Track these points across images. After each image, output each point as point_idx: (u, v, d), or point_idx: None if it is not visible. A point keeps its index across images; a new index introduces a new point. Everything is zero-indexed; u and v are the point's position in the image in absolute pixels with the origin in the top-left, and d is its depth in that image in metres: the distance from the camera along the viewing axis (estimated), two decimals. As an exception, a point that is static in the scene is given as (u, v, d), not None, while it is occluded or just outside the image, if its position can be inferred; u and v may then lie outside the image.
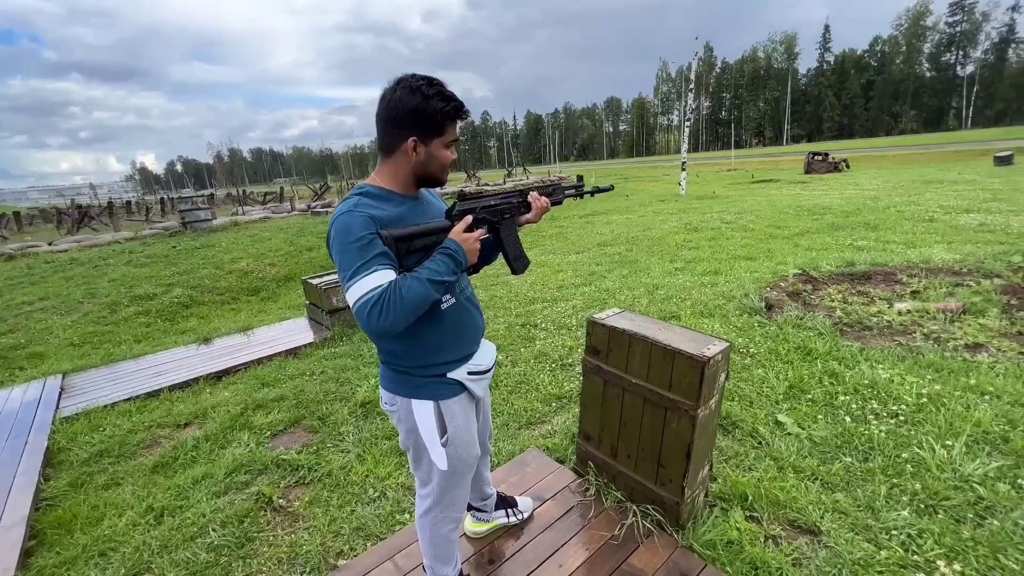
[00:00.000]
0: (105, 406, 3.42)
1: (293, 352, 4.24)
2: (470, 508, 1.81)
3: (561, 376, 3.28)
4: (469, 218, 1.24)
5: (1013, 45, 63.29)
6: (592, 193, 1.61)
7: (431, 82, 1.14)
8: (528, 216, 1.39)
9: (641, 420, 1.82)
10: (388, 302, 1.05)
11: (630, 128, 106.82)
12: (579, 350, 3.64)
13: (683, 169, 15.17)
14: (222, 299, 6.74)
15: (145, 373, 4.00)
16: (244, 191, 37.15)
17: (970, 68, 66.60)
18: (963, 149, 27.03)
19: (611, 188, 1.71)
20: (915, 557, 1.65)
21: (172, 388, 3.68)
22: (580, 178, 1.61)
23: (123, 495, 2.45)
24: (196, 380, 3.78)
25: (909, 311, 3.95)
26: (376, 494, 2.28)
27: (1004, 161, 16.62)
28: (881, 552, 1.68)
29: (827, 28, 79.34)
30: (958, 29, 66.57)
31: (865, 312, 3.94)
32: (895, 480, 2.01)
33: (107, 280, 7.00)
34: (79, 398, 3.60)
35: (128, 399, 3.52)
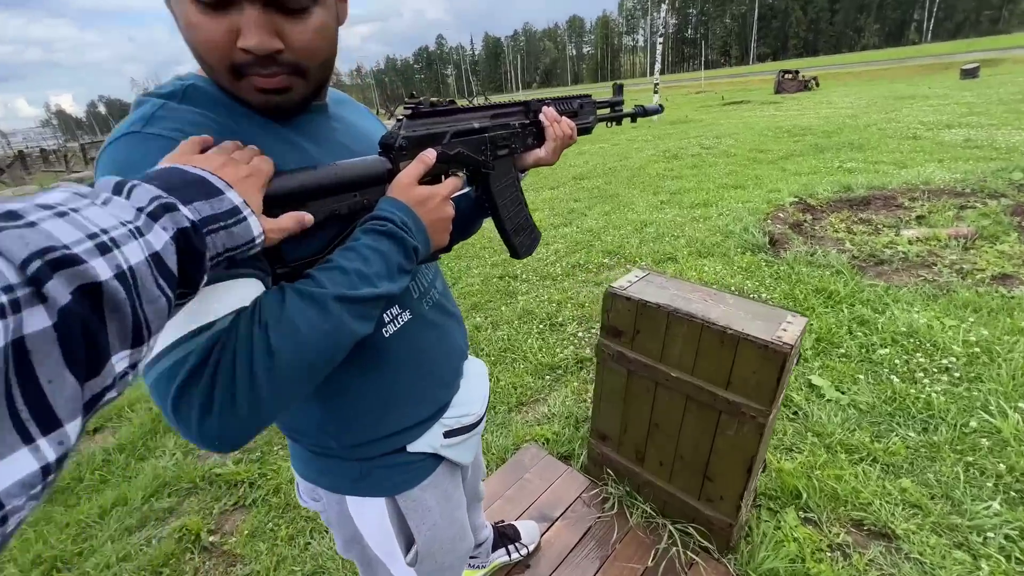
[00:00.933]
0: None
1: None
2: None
3: (552, 339, 2.81)
4: (431, 153, 0.62)
5: (978, -50, 61.86)
6: (634, 116, 1.01)
7: None
8: (540, 152, 0.80)
9: (681, 422, 1.36)
10: (234, 367, 0.44)
11: (594, 50, 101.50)
12: (568, 305, 3.16)
13: (655, 92, 14.24)
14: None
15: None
16: (177, 133, 33.44)
17: (934, -24, 65.18)
18: (927, 63, 26.80)
19: (661, 109, 1.11)
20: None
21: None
22: (619, 89, 1.00)
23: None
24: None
25: (919, 239, 3.62)
26: (336, 517, 1.80)
27: (970, 74, 16.45)
28: (982, 564, 1.34)
29: (796, -67, 75.06)
30: (926, -68, 64.24)
31: (875, 243, 3.58)
32: (969, 459, 1.68)
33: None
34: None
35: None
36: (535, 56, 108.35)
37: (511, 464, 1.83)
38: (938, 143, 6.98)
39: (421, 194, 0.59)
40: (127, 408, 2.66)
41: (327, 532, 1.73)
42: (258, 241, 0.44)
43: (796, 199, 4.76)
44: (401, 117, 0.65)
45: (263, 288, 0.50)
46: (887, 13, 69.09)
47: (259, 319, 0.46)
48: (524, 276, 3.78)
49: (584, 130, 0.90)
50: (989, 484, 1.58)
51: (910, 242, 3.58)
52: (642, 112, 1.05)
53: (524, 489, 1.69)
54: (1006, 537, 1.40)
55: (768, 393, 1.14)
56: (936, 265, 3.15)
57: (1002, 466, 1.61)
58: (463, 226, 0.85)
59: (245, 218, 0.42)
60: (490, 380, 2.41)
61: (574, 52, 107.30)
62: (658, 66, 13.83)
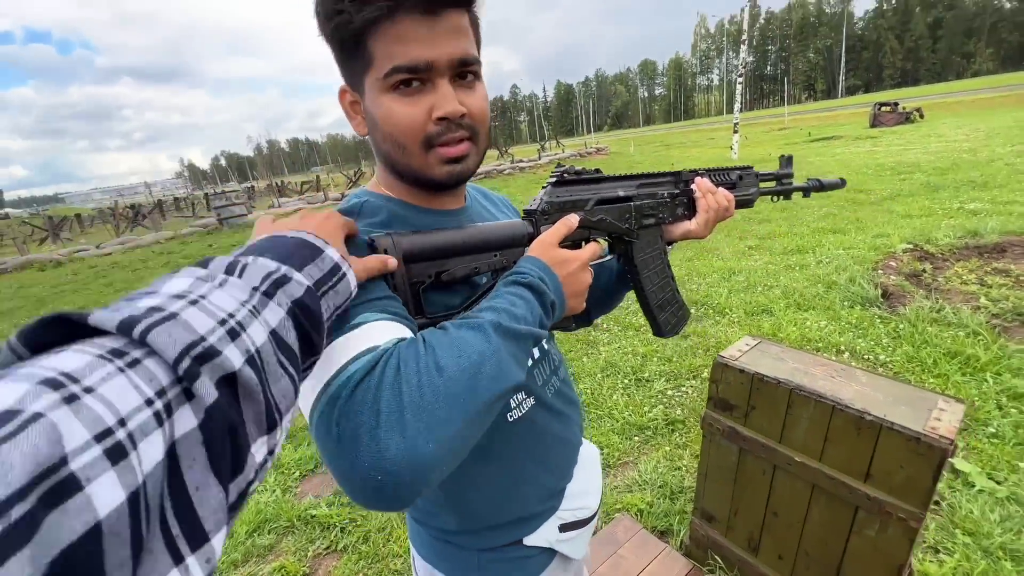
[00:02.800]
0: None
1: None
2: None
3: (638, 396, 2.69)
4: (573, 219, 0.63)
5: (1116, -38, 55.07)
6: (807, 191, 0.97)
7: None
8: (690, 225, 0.80)
9: (807, 514, 1.21)
10: (395, 382, 0.42)
11: (667, 91, 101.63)
12: (654, 359, 3.03)
13: (735, 131, 13.86)
14: (257, 300, 6.50)
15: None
16: (282, 182, 37.79)
17: (1061, -7, 58.61)
18: (1059, 87, 23.74)
19: (843, 183, 1.04)
20: None
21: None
22: (788, 161, 0.97)
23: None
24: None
25: (1078, 294, 3.09)
26: (423, 574, 1.79)
27: (1121, 97, 14.27)
28: None
29: (887, -38, 71.63)
30: (1046, -51, 58.45)
31: (1020, 298, 3.10)
32: None
33: (143, 284, 6.89)
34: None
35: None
36: (606, 100, 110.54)
37: (603, 536, 1.72)
38: (1087, 179, 6.06)
39: (561, 255, 0.59)
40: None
41: (414, 590, 1.72)
42: (353, 292, 0.45)
43: (910, 245, 4.30)
44: (547, 184, 0.67)
45: (409, 331, 0.50)
46: (1002, 36, 62.79)
47: (424, 340, 0.46)
48: (605, 325, 3.71)
49: (744, 203, 0.88)
50: None
51: (1066, 298, 3.06)
52: (818, 186, 1.00)
53: (619, 568, 1.58)
54: None
55: (921, 494, 0.99)
56: (1106, 327, 2.65)
57: None
58: (606, 298, 0.85)
59: (345, 273, 0.43)
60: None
61: (645, 94, 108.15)
62: (737, 106, 13.51)
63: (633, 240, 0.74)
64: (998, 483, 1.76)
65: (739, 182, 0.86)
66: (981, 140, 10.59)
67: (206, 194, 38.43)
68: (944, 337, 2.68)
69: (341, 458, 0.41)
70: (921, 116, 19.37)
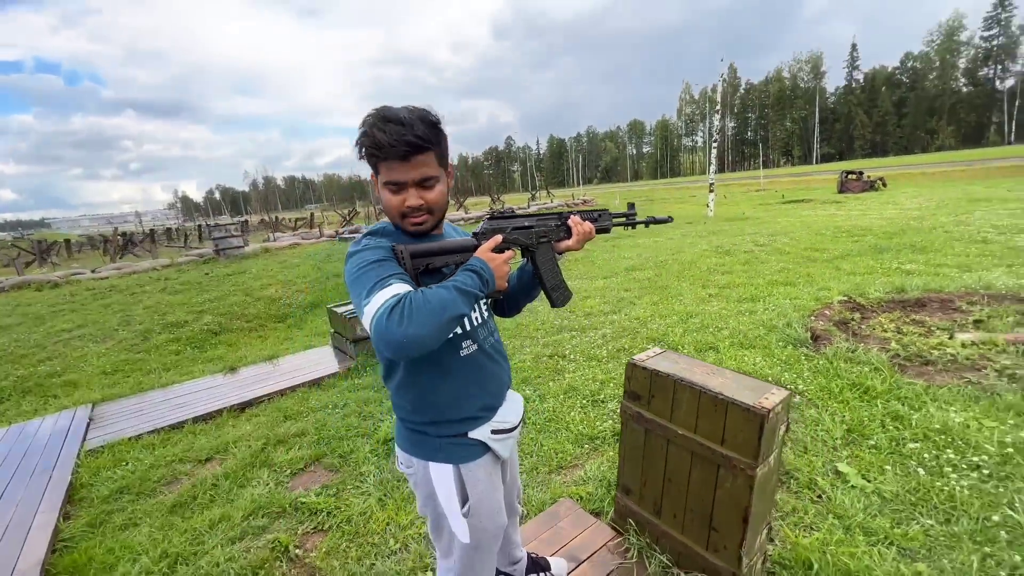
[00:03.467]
0: (130, 438, 3.39)
1: (317, 383, 4.17)
2: (498, 573, 1.64)
3: (592, 414, 3.09)
4: (498, 237, 1.13)
5: (1056, 57, 60.96)
6: (647, 223, 1.45)
7: (378, 113, 1.03)
8: (568, 242, 1.27)
9: (689, 476, 1.63)
10: (410, 306, 0.91)
11: (654, 150, 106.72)
12: (611, 385, 3.45)
13: (711, 191, 14.88)
14: (250, 326, 6.81)
15: (171, 404, 3.99)
16: (276, 217, 38.46)
17: (1010, 82, 64.27)
18: (1009, 165, 25.76)
19: (670, 220, 1.54)
20: (1028, 653, 1.38)
21: (196, 420, 3.65)
22: (632, 206, 1.46)
23: (139, 537, 2.36)
24: (220, 412, 3.74)
25: (974, 343, 3.62)
26: (397, 545, 2.12)
27: (1057, 177, 15.69)
28: (984, 644, 1.42)
29: (854, 47, 78.29)
30: (995, 43, 64.57)
31: (924, 345, 3.62)
32: (987, 549, 1.74)
33: (142, 307, 7.19)
34: (106, 429, 3.59)
35: (152, 431, 3.49)
36: (596, 155, 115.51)
37: (547, 514, 2.09)
38: (1010, 248, 6.79)
39: (491, 256, 1.09)
40: (232, 444, 3.19)
41: (390, 556, 2.05)
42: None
43: (845, 298, 4.87)
44: (485, 218, 1.19)
45: (412, 289, 0.99)
46: (961, 116, 68.02)
47: (421, 292, 0.96)
48: (572, 356, 4.13)
49: (603, 230, 1.36)
50: (1003, 573, 1.64)
51: (963, 345, 3.58)
52: (652, 221, 1.49)
53: (557, 534, 1.95)
54: (1013, 622, 1.47)
55: (752, 448, 1.42)
56: (986, 369, 3.16)
57: (1017, 557, 1.67)
58: (527, 289, 1.33)
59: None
60: (533, 444, 2.73)
61: (634, 151, 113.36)
62: (713, 168, 14.58)
63: (534, 250, 1.23)
64: (868, 481, 2.17)
65: (599, 219, 1.35)
66: (930, 209, 11.59)
67: (199, 225, 38.86)
68: (852, 372, 3.16)
69: (388, 334, 0.90)
70: (884, 184, 20.84)
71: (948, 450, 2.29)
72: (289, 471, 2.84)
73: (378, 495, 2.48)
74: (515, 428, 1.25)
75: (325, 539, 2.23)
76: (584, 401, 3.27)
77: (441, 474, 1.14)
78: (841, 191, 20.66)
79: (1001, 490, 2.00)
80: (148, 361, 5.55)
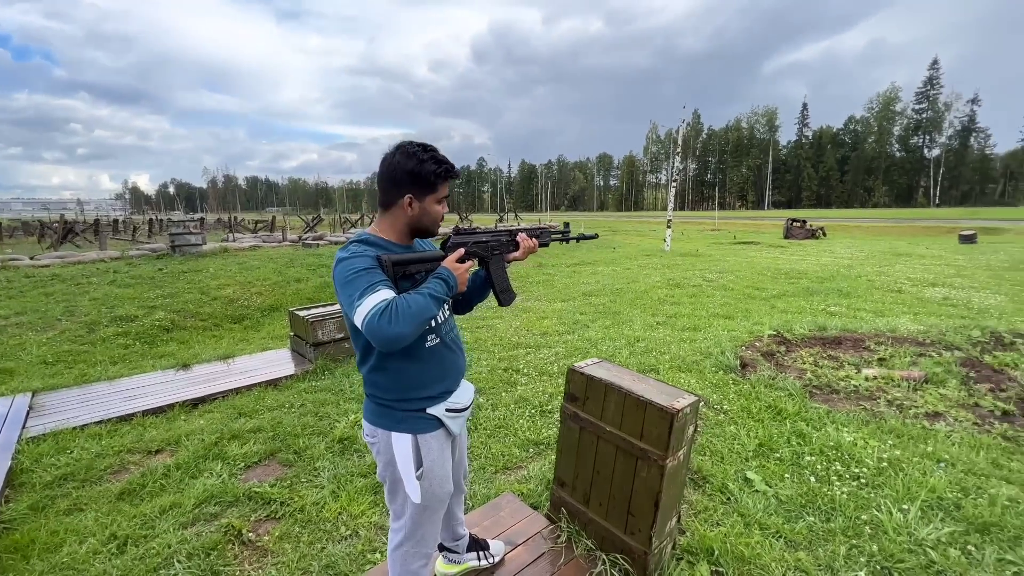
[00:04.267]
0: (74, 428, 3.34)
1: (273, 383, 4.22)
2: (442, 548, 1.83)
3: (540, 422, 3.33)
4: (461, 250, 1.39)
5: (974, 134, 68.46)
6: (577, 239, 1.74)
7: (425, 148, 1.32)
8: (516, 254, 1.54)
9: (614, 468, 1.89)
10: (396, 311, 1.16)
11: (620, 183, 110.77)
12: (559, 397, 3.71)
13: (668, 226, 15.76)
14: (205, 325, 6.68)
15: (119, 396, 3.94)
16: (235, 217, 37.21)
17: (936, 151, 71.42)
18: (931, 225, 28.52)
19: (596, 236, 1.85)
20: (869, 618, 1.70)
21: (146, 413, 3.63)
22: (567, 224, 1.75)
23: (85, 521, 2.39)
24: (172, 406, 3.73)
25: (876, 377, 4.13)
26: (348, 532, 2.26)
27: (968, 239, 17.59)
28: (838, 612, 1.74)
29: (805, 106, 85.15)
30: (924, 116, 71.89)
31: (834, 376, 4.11)
32: (854, 541, 2.09)
33: (88, 299, 6.91)
34: (48, 418, 3.51)
35: (99, 422, 3.45)
36: (565, 183, 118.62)
37: (490, 505, 2.30)
38: (919, 298, 7.65)
39: (455, 266, 1.35)
40: (184, 438, 3.22)
41: (341, 541, 2.19)
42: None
43: (774, 332, 5.38)
44: (451, 234, 1.42)
45: (395, 294, 1.22)
46: (894, 177, 74.65)
47: (403, 297, 1.20)
48: (525, 371, 4.38)
49: (543, 244, 1.64)
50: (863, 559, 1.98)
51: (867, 379, 4.09)
52: (582, 237, 1.80)
53: (498, 522, 2.15)
54: (863, 596, 1.79)
55: (664, 441, 1.70)
56: (880, 399, 3.64)
57: (875, 547, 2.02)
58: (478, 290, 1.57)
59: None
60: (482, 447, 2.94)
61: (601, 183, 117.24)
62: (671, 206, 15.48)
63: (489, 259, 1.50)
64: (769, 487, 2.51)
65: (540, 235, 1.63)
66: (859, 259, 12.75)
67: (151, 219, 37.01)
68: (770, 396, 3.56)
69: (378, 332, 1.13)
70: (824, 234, 22.62)
71: (836, 463, 2.67)
72: (243, 464, 2.91)
73: (331, 488, 2.61)
74: (466, 408, 1.49)
75: (278, 525, 2.34)
76: (533, 411, 3.51)
77: (401, 442, 1.35)
78: (786, 236, 22.27)
79: (872, 495, 2.38)
80: (94, 353, 5.37)
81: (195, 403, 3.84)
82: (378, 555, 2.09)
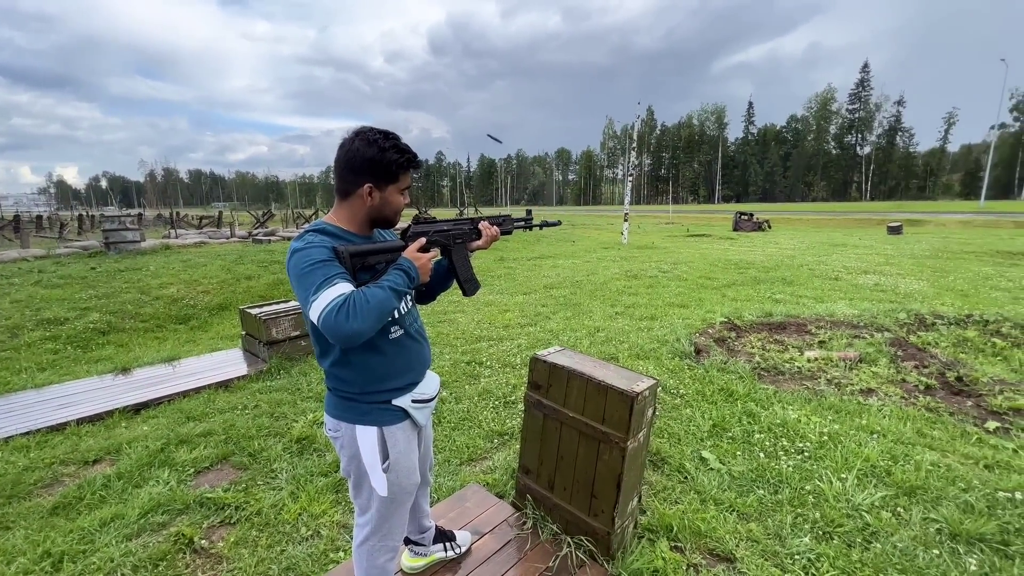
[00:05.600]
0: (-3, 441, 3.07)
1: (224, 385, 4.02)
2: (408, 542, 1.81)
3: (504, 413, 3.35)
4: (423, 240, 1.36)
5: (900, 133, 74.05)
6: (540, 226, 1.75)
7: (387, 135, 1.27)
8: (479, 243, 1.52)
9: (577, 453, 1.93)
10: (354, 305, 1.12)
11: (578, 178, 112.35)
12: (523, 388, 3.73)
13: (625, 220, 16.15)
14: (146, 326, 6.27)
15: (49, 405, 3.64)
16: (177, 213, 35.01)
17: (867, 149, 76.71)
18: (863, 218, 30.64)
19: (559, 223, 1.86)
20: (813, 579, 1.83)
21: (81, 421, 3.37)
22: (529, 211, 1.76)
23: (14, 540, 2.20)
24: (110, 413, 3.48)
25: (817, 359, 4.41)
26: (309, 532, 2.20)
27: (895, 231, 19.04)
28: (787, 574, 1.85)
29: (751, 104, 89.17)
30: (857, 115, 76.98)
31: (780, 359, 4.35)
32: (799, 510, 2.23)
33: (8, 301, 6.32)
34: (-35, 431, 3.20)
35: (26, 433, 3.18)
36: (525, 178, 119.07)
37: (456, 497, 2.30)
38: (853, 285, 8.21)
39: (417, 255, 1.32)
40: (126, 445, 3.02)
41: (302, 543, 2.13)
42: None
43: (725, 319, 5.63)
44: (411, 224, 1.39)
45: (353, 288, 1.18)
46: (831, 173, 79.62)
47: (362, 291, 1.16)
48: (488, 363, 4.39)
49: (506, 232, 1.63)
50: (807, 526, 2.12)
51: (809, 360, 4.36)
52: (544, 224, 1.81)
53: (464, 513, 2.15)
54: (808, 559, 1.92)
55: (625, 424, 1.75)
56: (820, 378, 3.89)
57: (817, 514, 2.17)
58: (440, 279, 1.54)
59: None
60: (447, 440, 2.93)
61: (560, 178, 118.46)
62: (627, 199, 15.86)
63: (451, 248, 1.48)
64: (723, 464, 2.64)
65: (503, 223, 1.63)
66: (800, 250, 13.53)
67: (80, 215, 34.21)
68: (722, 379, 3.73)
69: (335, 329, 1.09)
70: (769, 226, 23.83)
71: (783, 439, 2.84)
72: (193, 470, 2.76)
73: (290, 489, 2.52)
74: (432, 399, 1.47)
75: (233, 531, 2.24)
76: (497, 402, 3.52)
77: (366, 435, 1.32)
78: (735, 229, 23.31)
79: (815, 467, 2.54)
80: (17, 360, 4.92)
81: (137, 408, 3.60)
82: (341, 554, 2.04)
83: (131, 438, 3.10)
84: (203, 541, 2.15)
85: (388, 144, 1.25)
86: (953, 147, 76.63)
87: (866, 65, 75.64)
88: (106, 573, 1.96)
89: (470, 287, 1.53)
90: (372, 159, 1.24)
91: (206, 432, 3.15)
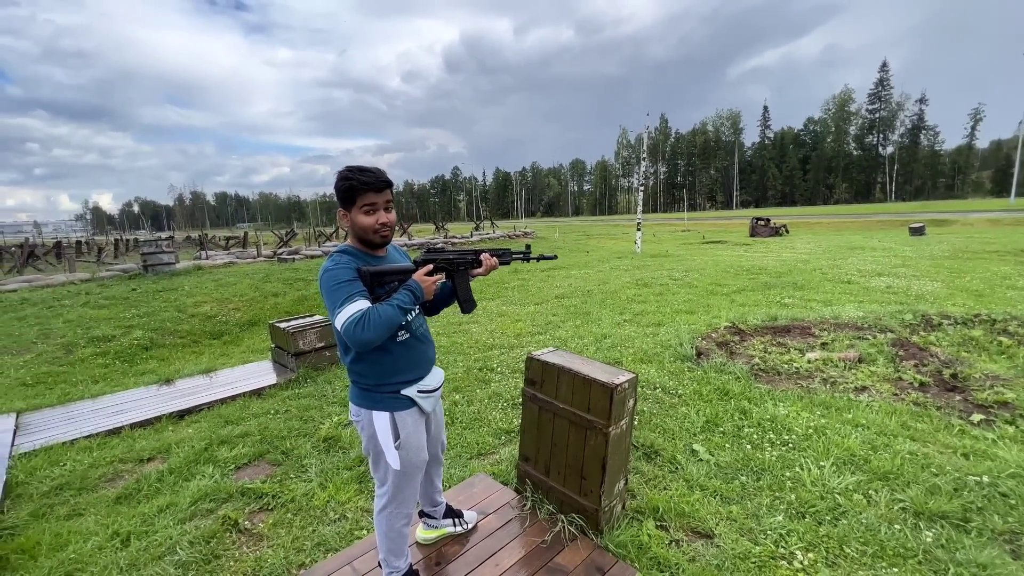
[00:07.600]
0: (64, 443, 3.47)
1: (257, 392, 4.39)
2: (422, 515, 2.10)
3: (511, 414, 3.62)
4: (430, 266, 1.66)
5: (924, 131, 72.33)
6: (537, 259, 2.03)
7: (351, 168, 1.55)
8: (479, 271, 1.81)
9: (568, 440, 2.19)
10: (368, 319, 1.44)
11: (593, 188, 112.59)
12: (530, 391, 4.00)
13: (638, 229, 16.32)
14: (183, 342, 6.75)
15: (104, 412, 4.06)
16: (205, 234, 36.51)
17: (890, 149, 75.10)
18: (886, 219, 30.06)
19: (555, 257, 2.13)
20: (781, 550, 2.05)
21: (133, 426, 3.77)
22: (528, 247, 2.04)
23: (87, 523, 2.56)
24: (158, 418, 3.88)
25: (817, 359, 4.56)
26: (336, 516, 2.50)
27: (917, 232, 18.71)
28: (756, 547, 2.07)
29: (766, 108, 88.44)
30: (877, 115, 75.59)
31: (779, 360, 4.51)
32: (777, 493, 2.44)
33: (62, 321, 6.90)
34: (35, 436, 3.63)
35: (88, 436, 3.58)
36: (540, 189, 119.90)
37: (464, 484, 2.57)
38: (865, 288, 8.23)
39: (424, 279, 1.62)
40: (174, 446, 3.38)
41: (330, 524, 2.43)
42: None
43: (730, 324, 5.80)
44: (422, 251, 1.70)
45: (371, 304, 1.49)
46: (853, 175, 78.06)
47: (375, 308, 1.47)
48: (499, 369, 4.67)
49: (504, 263, 1.92)
50: (782, 507, 2.32)
51: (809, 362, 4.51)
52: (541, 257, 2.09)
53: (471, 497, 2.43)
54: (779, 534, 2.13)
55: (606, 412, 2.01)
56: (816, 378, 4.05)
57: (793, 496, 2.37)
58: (444, 298, 1.84)
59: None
60: (458, 438, 3.21)
61: (575, 188, 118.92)
62: (640, 209, 16.05)
63: (456, 273, 1.77)
64: (712, 456, 2.85)
65: (502, 256, 1.92)
66: (816, 254, 13.47)
67: (116, 239, 35.98)
68: (719, 379, 3.93)
69: (353, 337, 1.43)
70: (786, 231, 23.64)
71: (771, 432, 3.03)
72: (233, 465, 3.10)
73: (319, 480, 2.84)
74: (436, 390, 1.77)
75: (271, 515, 2.56)
76: (505, 404, 3.80)
77: (381, 419, 1.63)
78: (752, 235, 23.21)
79: (797, 456, 2.74)
80: (73, 373, 5.42)
81: (181, 414, 3.99)
82: (364, 531, 2.33)
83: (178, 440, 3.47)
84: (246, 523, 2.47)
85: (344, 173, 1.54)
86: (982, 143, 74.57)
87: (885, 64, 74.51)
88: (167, 547, 2.29)
89: (467, 307, 1.82)
90: (337, 189, 1.56)
91: (243, 434, 3.50)
